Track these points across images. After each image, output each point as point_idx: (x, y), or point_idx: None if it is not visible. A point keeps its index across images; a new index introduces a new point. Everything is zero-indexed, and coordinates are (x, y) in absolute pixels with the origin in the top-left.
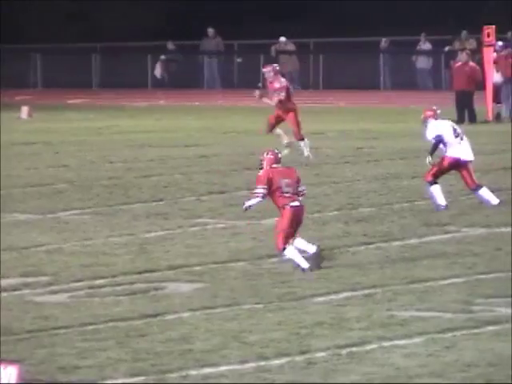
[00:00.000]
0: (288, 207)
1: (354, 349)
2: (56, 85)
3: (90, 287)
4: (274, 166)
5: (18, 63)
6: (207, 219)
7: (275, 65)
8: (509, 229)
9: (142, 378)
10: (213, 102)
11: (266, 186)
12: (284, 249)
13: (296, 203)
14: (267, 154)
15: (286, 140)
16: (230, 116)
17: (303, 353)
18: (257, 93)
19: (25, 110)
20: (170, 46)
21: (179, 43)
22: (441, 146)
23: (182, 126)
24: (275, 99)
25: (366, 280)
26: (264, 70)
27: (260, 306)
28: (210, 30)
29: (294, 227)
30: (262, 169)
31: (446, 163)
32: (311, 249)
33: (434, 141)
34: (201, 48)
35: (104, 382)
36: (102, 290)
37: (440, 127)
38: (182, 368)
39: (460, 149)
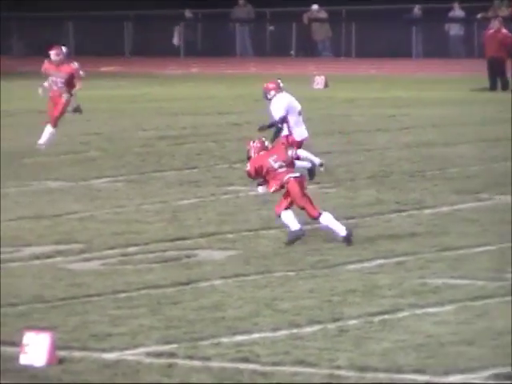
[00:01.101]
0: (291, 179)
1: (385, 316)
2: (88, 53)
3: (123, 255)
4: (262, 153)
5: (50, 31)
6: (239, 187)
7: (64, 47)
8: None
9: (175, 345)
10: (245, 69)
11: (259, 176)
12: (320, 214)
13: (296, 174)
14: (253, 142)
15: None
16: (263, 84)
17: (335, 320)
18: (40, 91)
19: None
20: (188, 13)
21: (210, 11)
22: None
23: (215, 93)
24: (78, 85)
25: (398, 247)
26: (51, 52)
27: (292, 273)
28: None
29: (305, 197)
30: (249, 158)
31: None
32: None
33: (278, 119)
34: (232, 16)
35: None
36: (134, 258)
37: (287, 103)
38: (214, 335)
39: (302, 128)
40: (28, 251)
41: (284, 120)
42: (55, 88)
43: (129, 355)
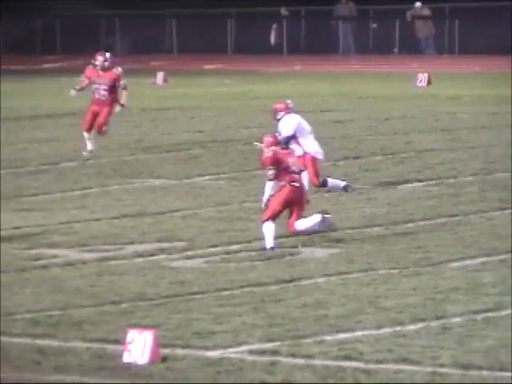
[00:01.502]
0: (288, 185)
1: (489, 314)
2: (191, 50)
3: (226, 252)
4: (272, 148)
5: (153, 28)
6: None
7: (108, 54)
8: None
9: (278, 343)
10: (348, 67)
11: (275, 167)
12: (266, 221)
13: (297, 184)
14: (267, 137)
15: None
16: (366, 81)
17: (439, 318)
18: (72, 93)
19: (160, 75)
20: (284, 11)
21: (313, 8)
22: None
23: (318, 91)
24: (123, 93)
25: (502, 245)
26: (96, 57)
27: (395, 271)
28: None
29: (286, 206)
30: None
31: (312, 160)
32: (316, 217)
33: (284, 137)
34: (334, 14)
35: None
36: (237, 255)
37: (296, 123)
38: (317, 333)
39: (314, 145)
40: (131, 249)
41: (289, 140)
42: (97, 96)
43: (232, 353)
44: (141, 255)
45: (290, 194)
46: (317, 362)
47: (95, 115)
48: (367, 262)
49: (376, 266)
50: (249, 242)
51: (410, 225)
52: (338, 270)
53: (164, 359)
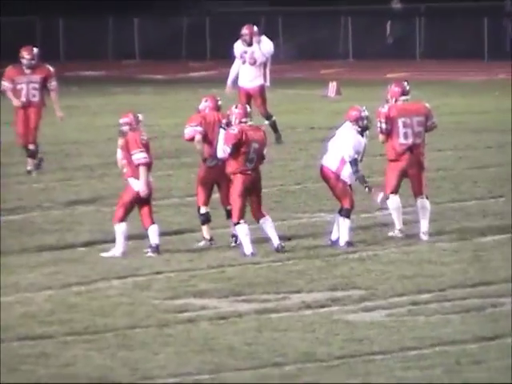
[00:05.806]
0: (239, 175)
1: None
2: (369, 55)
3: (413, 303)
4: (244, 120)
5: (323, 29)
6: None
7: (35, 49)
8: None
9: None
10: None
11: (232, 147)
12: (238, 223)
13: (249, 172)
14: (236, 107)
15: None
16: None
17: None
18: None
19: (332, 86)
20: (395, 4)
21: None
22: None
23: None
24: None
25: None
26: (23, 54)
27: None
28: None
29: (245, 197)
30: (229, 124)
31: None
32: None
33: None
34: (506, 9)
35: None
36: (427, 307)
37: None
38: None
39: None
40: (297, 299)
41: None
42: (24, 99)
43: None
44: (309, 306)
45: (242, 182)
46: None
47: (27, 121)
48: None
49: None
50: (442, 290)
51: None
52: None
53: None
